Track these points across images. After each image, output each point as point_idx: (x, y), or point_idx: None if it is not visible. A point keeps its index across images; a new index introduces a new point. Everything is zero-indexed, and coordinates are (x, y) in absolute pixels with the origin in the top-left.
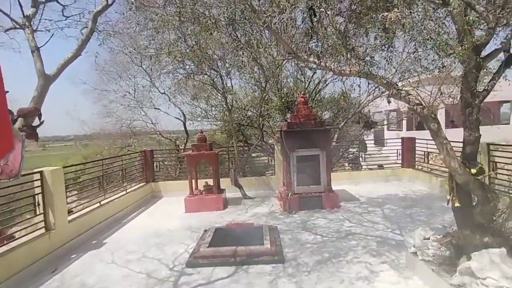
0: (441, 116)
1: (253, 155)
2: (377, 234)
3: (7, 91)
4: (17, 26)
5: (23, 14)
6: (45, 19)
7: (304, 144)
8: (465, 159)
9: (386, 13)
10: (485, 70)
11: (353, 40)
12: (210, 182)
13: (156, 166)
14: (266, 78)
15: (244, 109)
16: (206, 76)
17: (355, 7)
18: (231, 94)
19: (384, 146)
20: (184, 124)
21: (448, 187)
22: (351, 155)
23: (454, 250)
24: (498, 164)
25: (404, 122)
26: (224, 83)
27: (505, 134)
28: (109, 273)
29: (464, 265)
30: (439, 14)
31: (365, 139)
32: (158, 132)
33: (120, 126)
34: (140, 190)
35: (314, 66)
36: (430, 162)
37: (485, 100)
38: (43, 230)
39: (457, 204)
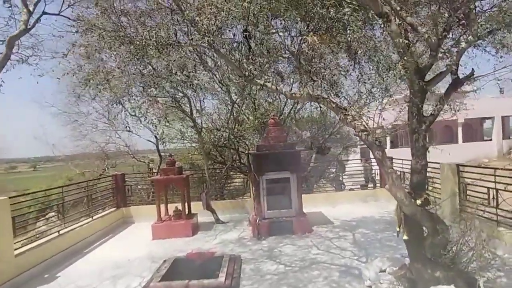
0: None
1: (234, 176)
2: (342, 262)
3: None
4: None
5: None
6: None
7: (274, 167)
8: (413, 189)
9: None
10: (432, 93)
11: (308, 63)
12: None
13: (128, 190)
14: (232, 100)
15: (219, 130)
16: (170, 99)
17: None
18: (203, 115)
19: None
20: (157, 146)
21: (397, 218)
22: (331, 175)
23: (408, 285)
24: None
25: (388, 139)
26: (193, 105)
27: (486, 150)
28: None
29: None
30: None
31: (345, 158)
32: (131, 155)
33: (93, 149)
34: (109, 216)
35: (267, 89)
36: (407, 182)
37: (467, 117)
38: None
39: (405, 237)
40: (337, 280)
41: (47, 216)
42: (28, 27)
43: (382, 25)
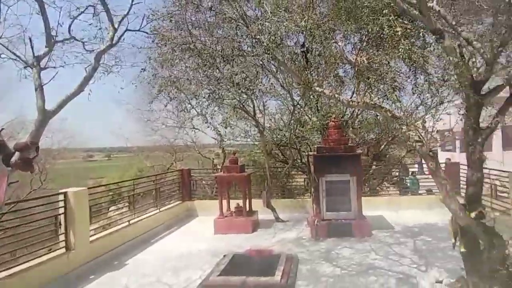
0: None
1: (296, 175)
2: (400, 270)
3: (2, 128)
4: (27, 65)
5: (34, 54)
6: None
7: (334, 169)
8: (468, 201)
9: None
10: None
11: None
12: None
13: (193, 184)
14: (294, 101)
15: (281, 130)
16: (235, 100)
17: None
18: (266, 115)
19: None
20: (221, 144)
21: (452, 230)
22: (395, 178)
23: None
24: None
25: (458, 142)
26: (256, 106)
27: None
28: None
29: None
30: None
31: (411, 162)
32: (197, 151)
33: (163, 144)
34: (175, 209)
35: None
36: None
37: None
38: (63, 250)
39: (462, 250)
40: None
41: (118, 206)
42: (113, 42)
43: (436, 42)
